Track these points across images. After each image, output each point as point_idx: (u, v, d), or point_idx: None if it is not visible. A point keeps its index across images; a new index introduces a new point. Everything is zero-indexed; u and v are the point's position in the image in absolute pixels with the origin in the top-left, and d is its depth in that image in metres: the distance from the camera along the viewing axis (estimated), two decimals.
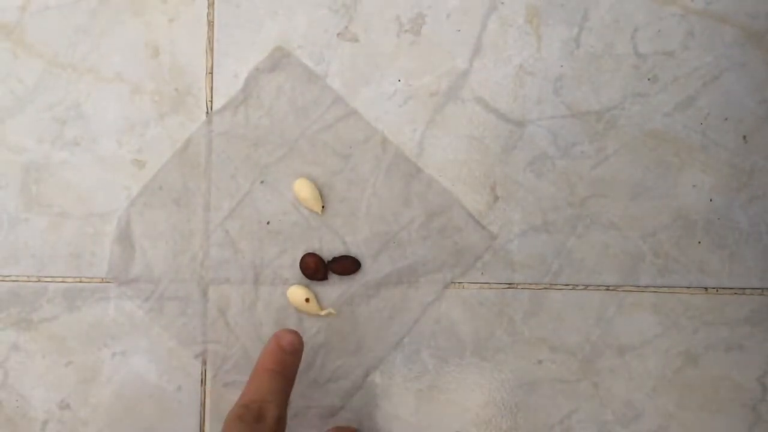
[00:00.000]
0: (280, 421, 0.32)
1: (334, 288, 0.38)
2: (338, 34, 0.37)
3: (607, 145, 0.38)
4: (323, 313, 0.38)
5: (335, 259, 0.38)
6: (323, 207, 0.38)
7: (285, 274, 0.38)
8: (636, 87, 0.37)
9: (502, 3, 0.37)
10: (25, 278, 0.38)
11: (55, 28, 0.38)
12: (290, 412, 0.38)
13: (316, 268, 0.38)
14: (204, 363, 0.38)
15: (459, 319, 0.38)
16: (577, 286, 0.38)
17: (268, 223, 0.38)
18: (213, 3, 0.37)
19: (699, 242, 0.38)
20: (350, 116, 0.38)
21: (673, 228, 0.38)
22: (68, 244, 0.38)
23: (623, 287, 0.38)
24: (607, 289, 0.38)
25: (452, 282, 0.38)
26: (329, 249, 0.38)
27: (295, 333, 0.34)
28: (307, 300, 0.37)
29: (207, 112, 0.38)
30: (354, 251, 0.38)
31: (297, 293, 0.37)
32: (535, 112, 0.37)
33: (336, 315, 0.38)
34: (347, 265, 0.38)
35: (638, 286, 0.38)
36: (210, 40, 0.37)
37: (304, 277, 0.38)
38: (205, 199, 0.38)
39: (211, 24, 0.38)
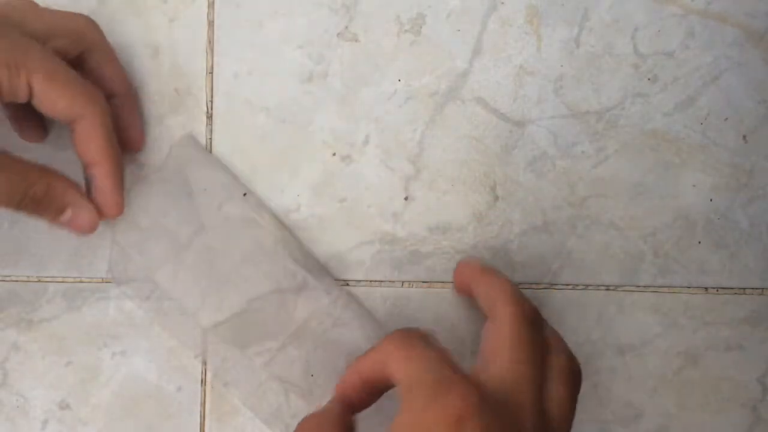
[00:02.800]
0: None
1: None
2: (338, 34, 0.37)
3: (607, 145, 0.38)
4: None
5: None
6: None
7: None
8: (636, 87, 0.37)
9: (502, 3, 0.37)
10: (25, 278, 0.38)
11: None
12: (290, 412, 0.38)
13: None
14: (204, 363, 0.38)
15: (459, 319, 0.38)
16: (577, 286, 0.38)
17: None
18: (213, 3, 0.37)
19: (699, 242, 0.38)
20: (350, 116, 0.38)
21: (673, 228, 0.38)
22: (68, 244, 0.38)
23: (623, 287, 0.38)
24: (607, 289, 0.38)
25: (452, 282, 0.38)
26: None
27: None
28: None
29: (207, 112, 0.38)
30: None
31: None
32: (535, 112, 0.37)
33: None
34: None
35: (638, 286, 0.38)
36: (210, 40, 0.37)
37: None
38: None
39: (211, 24, 0.38)
